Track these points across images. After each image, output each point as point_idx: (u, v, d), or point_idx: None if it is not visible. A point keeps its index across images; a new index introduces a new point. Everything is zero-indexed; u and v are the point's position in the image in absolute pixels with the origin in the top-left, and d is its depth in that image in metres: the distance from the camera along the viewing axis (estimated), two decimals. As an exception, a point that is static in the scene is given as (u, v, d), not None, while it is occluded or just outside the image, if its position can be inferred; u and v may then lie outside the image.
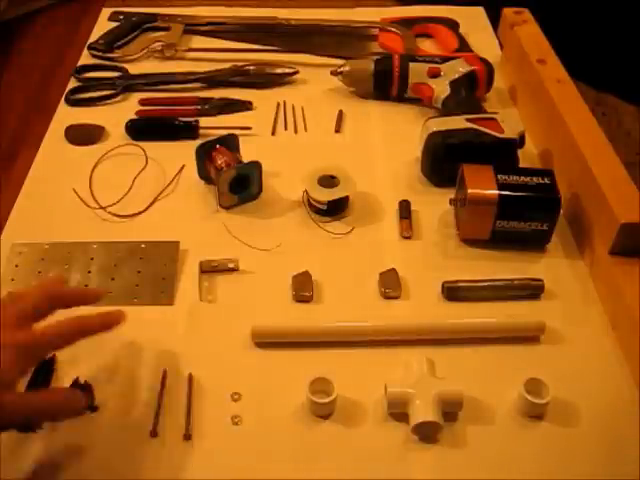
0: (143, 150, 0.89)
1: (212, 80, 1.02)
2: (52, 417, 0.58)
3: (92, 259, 0.76)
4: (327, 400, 0.61)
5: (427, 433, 0.61)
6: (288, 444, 0.61)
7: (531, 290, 0.74)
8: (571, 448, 0.61)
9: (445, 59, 0.98)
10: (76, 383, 0.62)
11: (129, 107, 0.97)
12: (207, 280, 0.74)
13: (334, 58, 1.06)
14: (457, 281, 0.73)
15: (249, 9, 1.17)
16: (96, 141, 0.92)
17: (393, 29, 1.11)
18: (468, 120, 0.84)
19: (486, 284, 0.74)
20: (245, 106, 0.99)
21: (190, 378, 0.65)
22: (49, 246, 0.77)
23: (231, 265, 0.75)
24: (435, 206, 0.83)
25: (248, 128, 0.93)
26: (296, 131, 0.96)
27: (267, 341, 0.69)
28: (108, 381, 0.64)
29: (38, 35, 2.58)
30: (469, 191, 0.75)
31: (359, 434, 0.62)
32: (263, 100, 1.00)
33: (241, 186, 0.82)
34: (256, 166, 0.82)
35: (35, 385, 0.62)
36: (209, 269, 0.75)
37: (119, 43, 1.09)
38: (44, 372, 0.63)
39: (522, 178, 0.76)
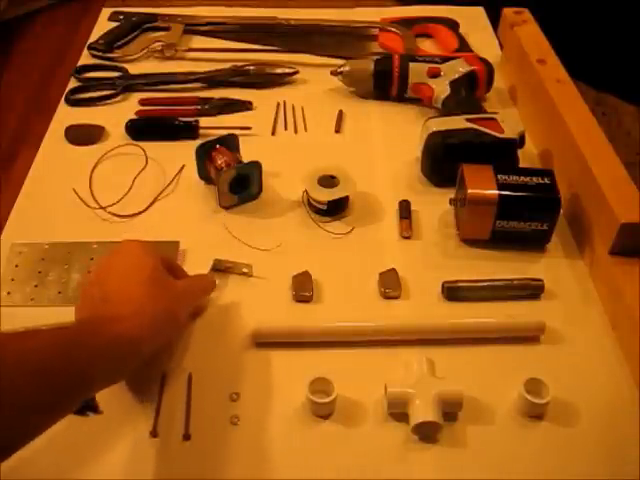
0: (143, 150, 0.89)
1: (212, 80, 1.02)
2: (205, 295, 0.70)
3: (92, 259, 0.76)
4: (327, 400, 0.61)
5: (427, 433, 0.61)
6: (288, 444, 0.61)
7: (531, 290, 0.74)
8: (571, 448, 0.61)
9: (445, 59, 0.98)
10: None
11: (129, 107, 0.97)
12: (217, 278, 0.74)
13: (334, 58, 1.06)
14: (457, 281, 0.73)
15: (249, 9, 1.17)
16: (96, 141, 0.92)
17: (393, 29, 1.11)
18: (468, 120, 0.84)
19: (486, 284, 0.74)
20: (245, 106, 0.99)
21: (190, 378, 0.65)
22: (49, 246, 0.77)
23: (245, 270, 0.75)
24: (435, 206, 0.83)
25: (248, 128, 0.93)
26: (296, 131, 0.96)
27: (267, 341, 0.69)
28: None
29: (38, 35, 2.58)
30: (469, 191, 0.75)
31: (359, 434, 0.62)
32: (263, 100, 1.00)
33: (241, 186, 0.82)
34: (256, 166, 0.82)
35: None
36: (222, 269, 0.75)
37: (119, 43, 1.09)
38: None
39: (522, 178, 0.76)
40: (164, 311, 0.60)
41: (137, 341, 0.56)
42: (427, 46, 1.12)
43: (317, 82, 1.03)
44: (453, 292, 0.73)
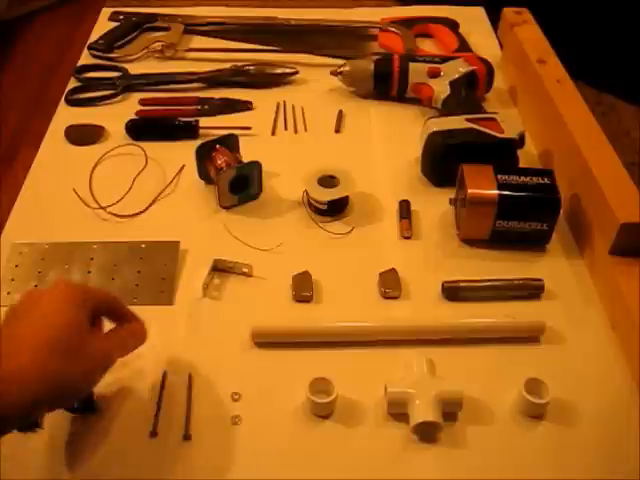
0: (143, 150, 0.89)
1: (212, 80, 1.02)
2: (134, 348, 0.61)
3: (92, 259, 0.76)
4: (327, 400, 0.61)
5: (427, 433, 0.61)
6: (288, 444, 0.61)
7: (531, 290, 0.74)
8: (571, 448, 0.61)
9: (445, 59, 0.98)
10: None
11: (129, 107, 0.97)
12: (217, 277, 0.74)
13: (334, 58, 1.06)
14: (457, 281, 0.73)
15: (249, 9, 1.17)
16: (96, 141, 0.92)
17: (393, 29, 1.11)
18: (468, 120, 0.84)
19: (486, 284, 0.74)
20: (245, 106, 0.99)
21: (190, 378, 0.65)
22: (49, 246, 0.77)
23: (245, 270, 0.75)
24: (435, 206, 0.83)
25: (248, 128, 0.93)
26: (296, 131, 0.96)
27: (267, 341, 0.69)
28: (108, 381, 0.64)
29: (38, 35, 2.58)
30: (469, 191, 0.75)
31: (359, 434, 0.62)
32: (263, 100, 1.00)
33: (241, 186, 0.82)
34: (256, 166, 0.82)
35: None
36: (222, 269, 0.75)
37: (119, 43, 1.09)
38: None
39: (522, 178, 0.76)
40: (59, 378, 0.52)
41: (8, 408, 0.49)
42: (427, 46, 1.12)
43: (317, 82, 1.03)
44: (453, 292, 0.73)
